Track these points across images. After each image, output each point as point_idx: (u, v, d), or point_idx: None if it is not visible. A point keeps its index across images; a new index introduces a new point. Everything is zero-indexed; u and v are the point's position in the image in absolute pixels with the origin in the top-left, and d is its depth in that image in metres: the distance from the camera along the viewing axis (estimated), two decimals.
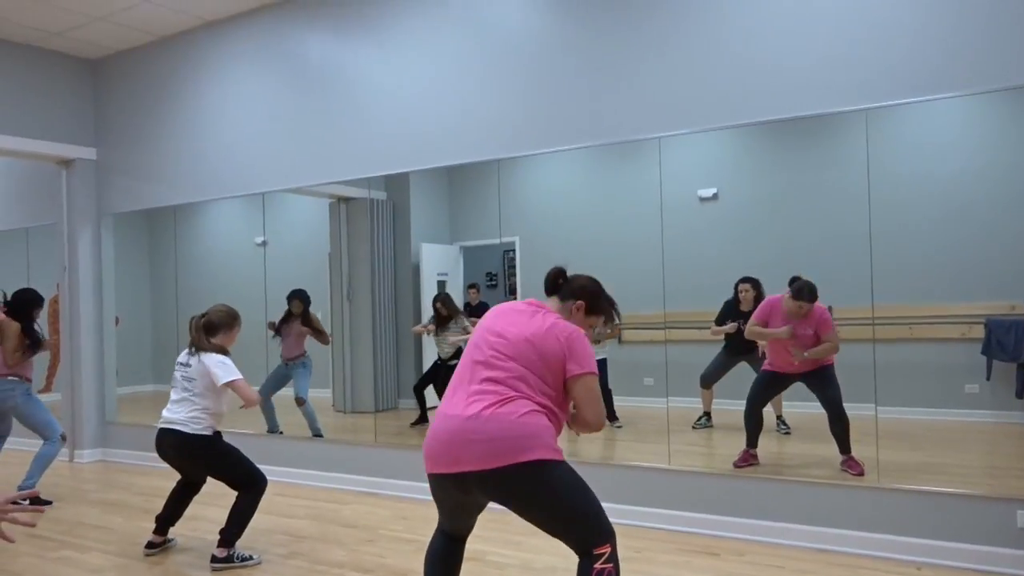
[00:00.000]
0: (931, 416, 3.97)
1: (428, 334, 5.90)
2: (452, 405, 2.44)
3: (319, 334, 6.15)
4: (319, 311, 6.41)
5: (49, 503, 5.33)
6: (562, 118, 4.67)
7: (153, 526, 4.18)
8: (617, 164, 4.85)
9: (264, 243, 6.28)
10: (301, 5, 5.81)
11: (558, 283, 2.67)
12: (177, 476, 4.21)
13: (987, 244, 3.73)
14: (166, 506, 4.15)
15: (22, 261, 7.84)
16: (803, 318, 4.14)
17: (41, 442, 5.34)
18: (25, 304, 5.37)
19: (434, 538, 2.65)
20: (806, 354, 4.12)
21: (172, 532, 4.27)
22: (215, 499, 5.04)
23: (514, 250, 5.48)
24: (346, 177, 5.61)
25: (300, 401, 6.01)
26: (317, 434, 5.90)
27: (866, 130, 3.86)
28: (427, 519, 4.65)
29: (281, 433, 6.06)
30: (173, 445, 3.91)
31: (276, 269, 6.24)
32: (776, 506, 4.01)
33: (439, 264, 6.07)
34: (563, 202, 5.21)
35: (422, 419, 5.86)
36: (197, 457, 3.94)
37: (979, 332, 3.77)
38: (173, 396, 3.98)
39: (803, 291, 4.12)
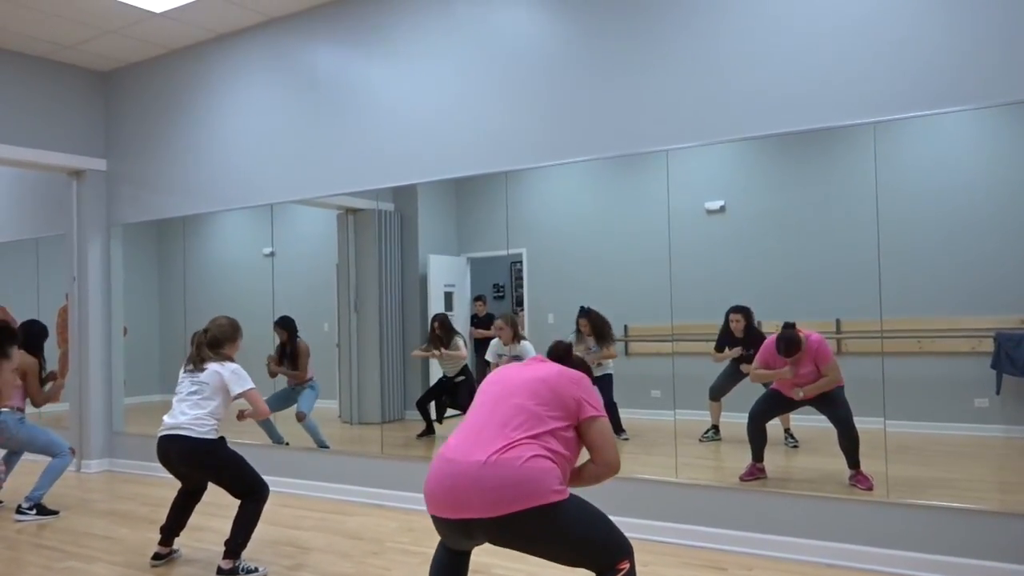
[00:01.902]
0: (940, 430, 3.95)
1: (431, 357, 5.89)
2: (454, 449, 2.40)
3: (295, 369, 6.13)
4: (326, 322, 6.42)
5: (56, 513, 5.33)
6: (570, 130, 4.68)
7: (159, 537, 4.17)
8: (624, 176, 4.85)
9: (272, 254, 6.30)
10: (310, 18, 5.85)
11: (562, 358, 2.73)
12: (179, 485, 4.20)
13: (997, 258, 3.71)
14: (169, 516, 4.14)
15: (31, 271, 7.89)
16: (799, 361, 4.16)
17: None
18: (38, 338, 5.45)
19: (438, 550, 2.63)
20: (802, 393, 4.13)
21: (177, 543, 4.26)
22: (220, 509, 5.05)
23: (521, 262, 5.48)
24: (354, 189, 5.64)
25: (300, 416, 6.00)
26: (323, 445, 5.90)
27: (874, 143, 3.85)
28: (433, 531, 4.64)
29: (287, 444, 6.06)
30: (178, 451, 3.87)
31: (284, 280, 6.26)
32: (784, 520, 3.98)
33: (446, 275, 6.07)
34: (570, 214, 5.21)
35: (428, 431, 5.85)
36: (202, 462, 3.90)
37: (988, 346, 3.75)
38: (178, 401, 3.95)
39: (780, 346, 4.16)
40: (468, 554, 2.64)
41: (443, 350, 5.78)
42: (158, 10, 5.80)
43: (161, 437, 3.92)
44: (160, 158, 6.79)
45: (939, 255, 3.89)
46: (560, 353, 2.75)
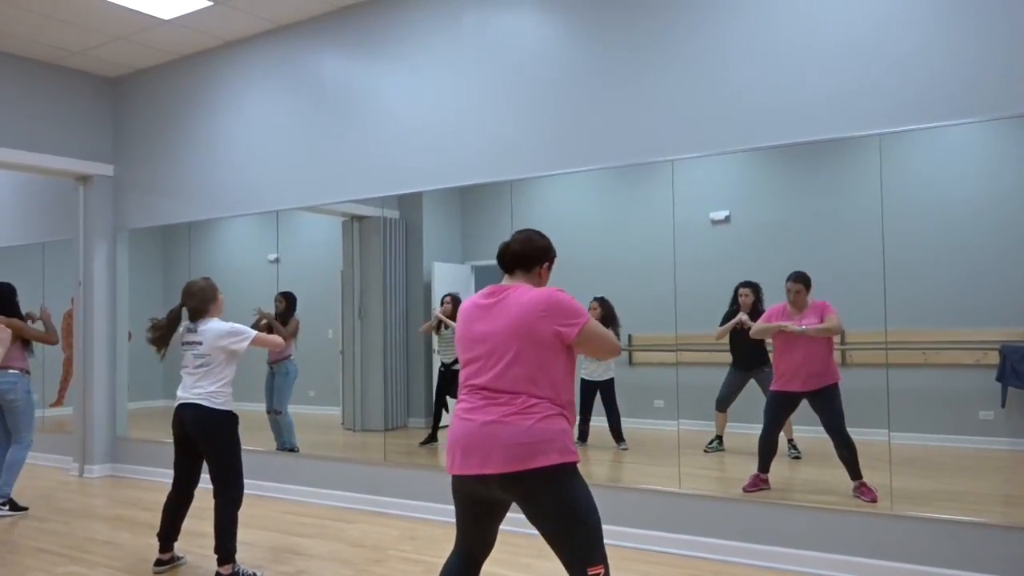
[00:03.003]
0: (945, 443, 3.93)
1: (433, 331, 5.90)
2: (467, 408, 2.49)
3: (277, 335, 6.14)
4: (330, 329, 6.43)
5: (25, 509, 5.45)
6: (575, 140, 4.69)
7: (159, 544, 4.17)
8: (629, 186, 4.86)
9: (277, 260, 6.32)
10: (317, 26, 5.88)
11: (515, 259, 2.63)
12: (166, 491, 4.18)
13: (1002, 270, 3.71)
14: (163, 522, 4.12)
15: (38, 276, 7.92)
16: (802, 309, 4.18)
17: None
18: (9, 298, 5.46)
19: (449, 559, 2.64)
20: (805, 327, 4.13)
21: (179, 550, 4.26)
22: None
23: None
24: (359, 196, 5.65)
25: (276, 412, 6.02)
26: (292, 448, 5.94)
27: (879, 155, 3.85)
28: (436, 540, 4.63)
29: (296, 448, 6.05)
30: (193, 418, 3.90)
31: (288, 286, 6.27)
32: (787, 532, 3.97)
33: (451, 283, 6.07)
34: (575, 223, 5.22)
35: (431, 439, 5.84)
36: (213, 434, 3.91)
37: (994, 358, 3.74)
38: (188, 377, 3.97)
39: (792, 273, 4.20)
40: (478, 567, 2.64)
41: (448, 335, 5.79)
42: (167, 17, 5.83)
43: (178, 405, 3.96)
44: (167, 164, 6.81)
45: (944, 267, 3.89)
46: (513, 260, 2.62)
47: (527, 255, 2.63)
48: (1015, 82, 3.51)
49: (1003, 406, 3.74)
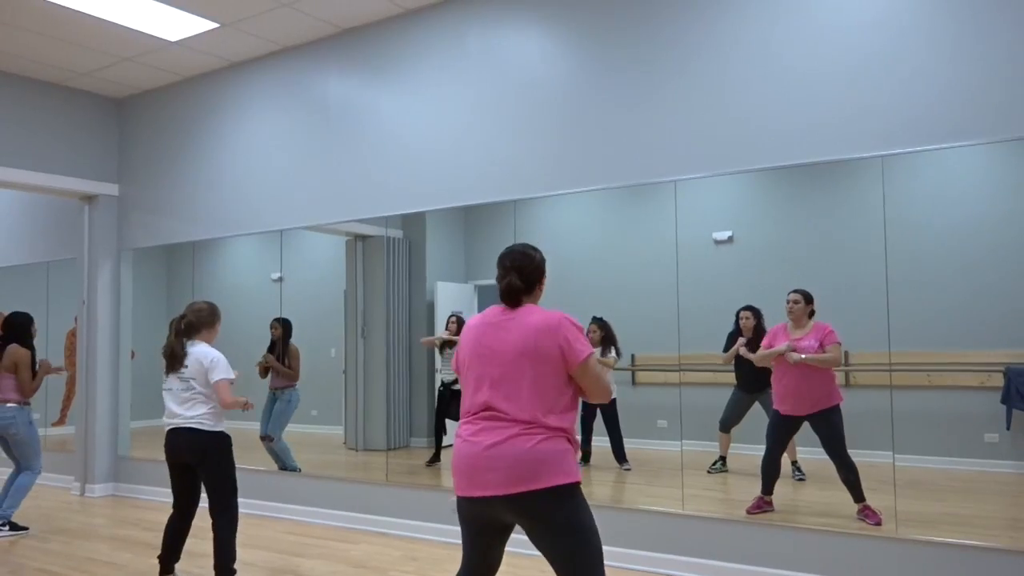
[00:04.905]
0: (950, 465, 3.91)
1: (435, 345, 5.89)
2: (470, 431, 2.48)
3: (285, 367, 6.16)
4: (333, 348, 6.42)
5: (26, 529, 5.44)
6: (578, 160, 4.71)
7: (159, 567, 4.14)
8: (632, 206, 4.87)
9: (280, 279, 6.33)
10: (322, 47, 5.93)
11: (519, 292, 2.60)
12: (167, 513, 4.16)
13: (1006, 291, 3.70)
14: (164, 543, 4.08)
15: (41, 295, 7.93)
16: (802, 327, 4.16)
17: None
18: (25, 328, 5.47)
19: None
20: (803, 356, 4.11)
21: (178, 569, 4.23)
22: None
23: None
24: (363, 216, 5.67)
25: (269, 438, 6.01)
26: (294, 468, 5.95)
27: (882, 176, 3.86)
28: (438, 560, 4.60)
29: (299, 471, 6.03)
30: (187, 442, 3.88)
31: (291, 305, 6.28)
32: (791, 555, 3.94)
33: (454, 303, 6.07)
34: (578, 243, 5.23)
35: (435, 458, 5.82)
36: (209, 456, 3.89)
37: (998, 380, 3.72)
38: (173, 400, 3.92)
39: (791, 294, 4.20)
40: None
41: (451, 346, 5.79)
42: (174, 39, 5.89)
43: (170, 430, 3.93)
44: (171, 183, 6.85)
45: (948, 288, 3.88)
46: (513, 292, 2.57)
47: (530, 282, 2.63)
48: (1017, 104, 3.52)
49: (1008, 428, 3.72)
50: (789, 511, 4.22)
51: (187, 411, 3.90)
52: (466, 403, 2.55)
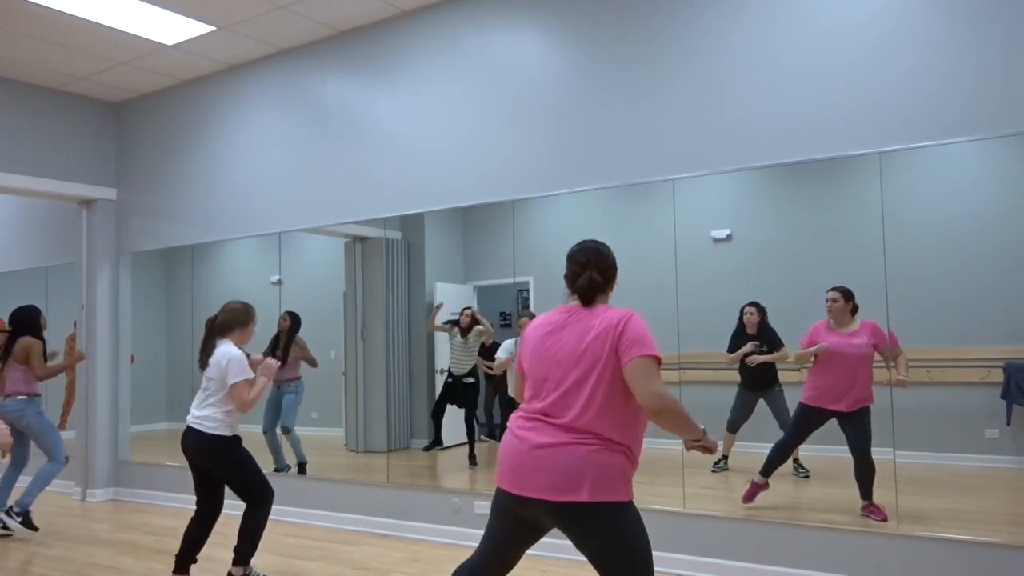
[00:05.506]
0: (950, 461, 3.91)
1: (450, 336, 5.88)
2: (522, 426, 2.40)
3: (308, 361, 6.20)
4: (333, 350, 6.42)
5: (36, 529, 5.43)
6: (576, 160, 4.71)
7: (163, 567, 4.13)
8: (631, 205, 4.87)
9: (279, 282, 6.33)
10: (319, 50, 5.92)
11: (597, 288, 2.50)
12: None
13: (1005, 287, 3.71)
14: (183, 543, 4.05)
15: (40, 299, 7.92)
16: (844, 325, 4.07)
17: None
18: (34, 321, 5.50)
19: (459, 569, 2.55)
20: (902, 377, 3.90)
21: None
22: (226, 539, 5.01)
23: (528, 290, 5.49)
24: (362, 217, 5.67)
25: (286, 430, 6.04)
26: (302, 462, 5.95)
27: (880, 173, 3.86)
28: (439, 562, 4.60)
29: (289, 468, 6.04)
30: (193, 444, 3.89)
31: (291, 307, 6.27)
32: (793, 552, 3.94)
33: (453, 303, 6.07)
34: (577, 243, 5.23)
35: (435, 443, 5.82)
36: (212, 459, 3.90)
37: (998, 376, 3.72)
38: (194, 401, 3.97)
39: (833, 291, 4.09)
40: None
41: (466, 346, 5.78)
42: (170, 42, 5.88)
43: (186, 428, 3.94)
44: (170, 187, 6.85)
45: (947, 284, 3.88)
46: (593, 289, 2.45)
47: (607, 277, 2.52)
48: (1014, 100, 3.52)
49: (1008, 424, 3.72)
50: (791, 508, 4.21)
51: (197, 410, 3.91)
52: (526, 401, 2.47)
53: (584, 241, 2.62)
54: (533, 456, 2.31)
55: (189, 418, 3.93)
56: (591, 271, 2.49)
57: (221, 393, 3.88)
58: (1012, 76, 3.53)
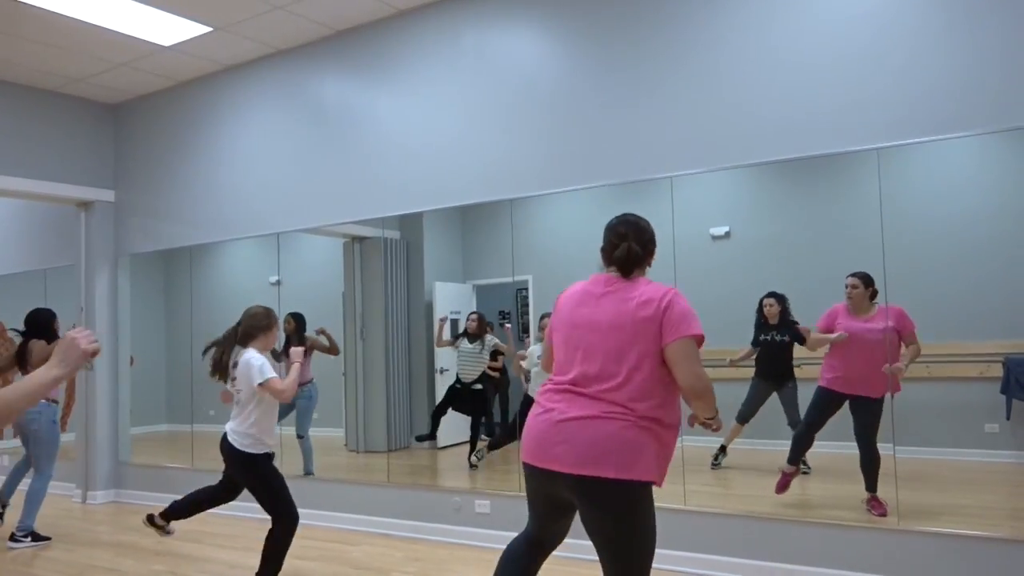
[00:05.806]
0: (950, 456, 3.92)
1: (454, 348, 5.87)
2: (550, 399, 2.37)
3: (330, 349, 6.14)
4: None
5: (48, 539, 5.38)
6: (574, 158, 4.71)
7: (164, 568, 4.13)
8: (629, 203, 4.84)
9: (278, 283, 6.33)
10: (317, 50, 5.92)
11: (637, 260, 2.47)
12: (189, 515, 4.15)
13: (1004, 282, 3.71)
14: (188, 496, 4.04)
15: (39, 302, 7.89)
16: (863, 312, 4.02)
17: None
18: (47, 324, 5.47)
19: (516, 537, 2.55)
20: (902, 365, 3.87)
21: (182, 566, 4.23)
22: (230, 540, 5.01)
23: (527, 288, 5.50)
24: (360, 217, 5.66)
25: (300, 436, 6.00)
26: (308, 472, 5.91)
27: (878, 169, 3.86)
28: (440, 561, 4.60)
29: (312, 474, 6.00)
30: (225, 452, 3.89)
31: (290, 308, 6.27)
32: (794, 548, 3.94)
33: (452, 303, 6.08)
34: (575, 241, 5.22)
35: (430, 437, 5.81)
36: (240, 472, 3.90)
37: (998, 371, 3.73)
38: (233, 408, 3.95)
39: (852, 277, 4.02)
40: (544, 554, 2.53)
41: (475, 353, 5.78)
42: (167, 43, 5.88)
43: (223, 433, 3.93)
44: (168, 188, 6.84)
45: (946, 279, 3.89)
46: (632, 261, 2.41)
47: (648, 250, 2.48)
48: (1012, 95, 3.52)
49: (1008, 418, 3.72)
50: (792, 504, 4.22)
51: (232, 420, 3.90)
52: (556, 372, 2.42)
53: (624, 214, 2.59)
54: (560, 428, 2.27)
55: (226, 427, 3.92)
56: (630, 242, 2.46)
57: (251, 404, 3.83)
58: (1009, 71, 3.53)
